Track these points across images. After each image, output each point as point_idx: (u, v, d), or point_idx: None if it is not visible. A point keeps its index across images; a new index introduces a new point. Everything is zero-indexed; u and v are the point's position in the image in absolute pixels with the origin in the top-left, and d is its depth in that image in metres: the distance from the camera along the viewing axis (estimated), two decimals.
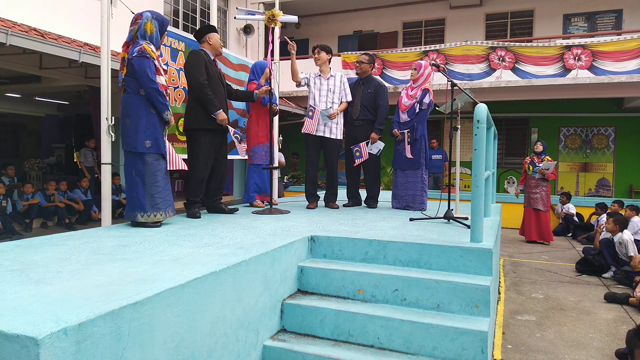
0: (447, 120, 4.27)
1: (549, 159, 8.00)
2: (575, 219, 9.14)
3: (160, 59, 3.49)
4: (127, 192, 3.44)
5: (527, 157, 8.23)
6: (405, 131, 4.72)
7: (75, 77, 7.88)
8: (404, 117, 4.76)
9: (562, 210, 9.36)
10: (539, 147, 8.07)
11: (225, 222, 3.75)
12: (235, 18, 4.99)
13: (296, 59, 4.98)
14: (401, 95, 4.87)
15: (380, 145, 4.94)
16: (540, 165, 7.88)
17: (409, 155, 4.69)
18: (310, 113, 4.76)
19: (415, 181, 4.75)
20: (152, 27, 3.40)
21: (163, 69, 3.48)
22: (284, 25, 4.71)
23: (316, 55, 4.92)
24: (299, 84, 4.98)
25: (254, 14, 4.72)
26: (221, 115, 3.99)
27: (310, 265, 2.97)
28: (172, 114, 3.52)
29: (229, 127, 4.13)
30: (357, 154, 4.94)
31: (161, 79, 3.41)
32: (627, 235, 5.76)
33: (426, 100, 4.66)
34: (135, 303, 1.66)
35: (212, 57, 4.20)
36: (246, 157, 5.02)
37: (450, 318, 2.55)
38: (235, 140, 4.32)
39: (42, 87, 9.19)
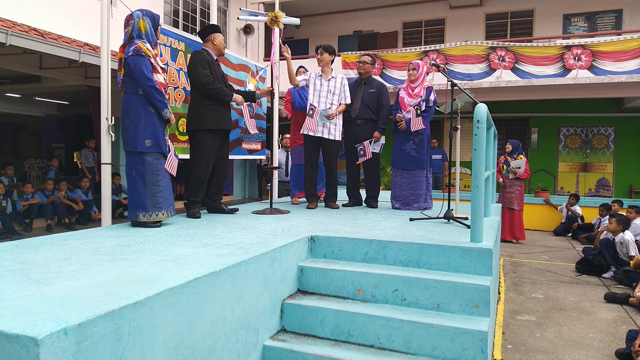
0: (447, 120, 4.27)
1: (522, 157, 7.98)
2: (578, 219, 9.15)
3: (158, 58, 3.49)
4: (129, 193, 3.44)
5: (502, 157, 8.19)
6: (413, 107, 4.69)
7: (75, 77, 7.88)
8: (407, 116, 4.74)
9: (566, 208, 9.36)
10: (509, 147, 8.07)
11: (225, 222, 3.75)
12: (238, 18, 5.01)
13: (296, 58, 5.00)
14: (400, 96, 4.86)
15: (381, 141, 4.97)
16: (512, 164, 7.89)
17: (417, 126, 4.61)
18: (311, 112, 4.74)
19: (421, 180, 4.76)
20: (145, 25, 3.41)
21: (160, 67, 3.48)
22: (285, 26, 4.72)
23: (319, 56, 4.90)
24: (297, 87, 4.98)
25: (257, 15, 4.73)
26: (238, 98, 4.14)
27: (310, 265, 2.97)
28: (171, 112, 3.52)
29: (244, 106, 4.34)
30: (362, 152, 4.93)
31: (159, 77, 3.41)
32: (628, 235, 5.76)
33: (432, 97, 4.68)
34: (135, 303, 1.66)
35: (215, 58, 4.20)
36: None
37: (450, 318, 2.55)
38: (251, 119, 4.44)
39: (42, 87, 9.19)
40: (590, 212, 9.16)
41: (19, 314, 1.50)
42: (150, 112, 3.38)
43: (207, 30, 4.22)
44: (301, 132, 4.87)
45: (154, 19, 3.50)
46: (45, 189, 7.95)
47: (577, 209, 9.24)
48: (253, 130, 4.68)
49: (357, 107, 5.05)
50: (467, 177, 12.04)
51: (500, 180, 8.02)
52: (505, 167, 8.01)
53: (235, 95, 4.11)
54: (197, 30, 4.84)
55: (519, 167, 7.84)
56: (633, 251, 5.63)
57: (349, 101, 4.98)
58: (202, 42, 4.30)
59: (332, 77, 4.91)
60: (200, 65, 3.97)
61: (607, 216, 7.41)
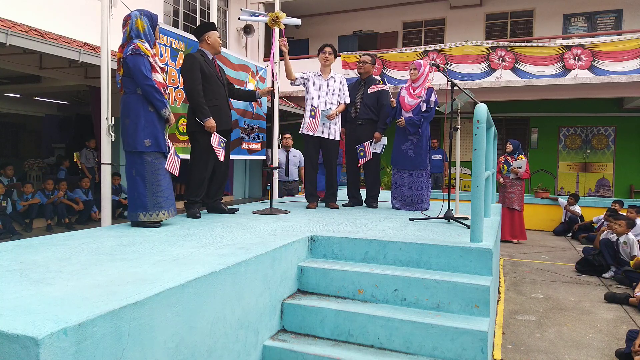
0: (447, 120, 4.27)
1: (522, 157, 7.97)
2: (579, 219, 9.16)
3: (157, 57, 3.49)
4: (129, 193, 3.44)
5: (502, 157, 8.14)
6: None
7: (75, 77, 7.87)
8: (408, 116, 4.73)
9: (565, 209, 9.36)
10: (509, 147, 8.04)
11: (225, 222, 3.75)
12: (239, 19, 5.00)
13: (296, 58, 4.98)
14: (402, 95, 4.85)
15: (383, 142, 4.96)
16: (513, 164, 7.88)
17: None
18: (313, 113, 4.76)
19: (421, 181, 4.75)
20: (143, 24, 3.41)
21: (159, 66, 3.48)
22: (285, 26, 4.72)
23: (327, 56, 4.90)
24: (293, 82, 4.97)
25: (258, 16, 4.73)
26: (209, 122, 3.94)
27: (310, 265, 2.97)
28: (171, 112, 3.52)
29: (215, 134, 4.03)
30: (362, 153, 4.93)
31: (158, 77, 3.41)
32: (632, 235, 5.78)
33: (432, 98, 4.67)
34: (135, 303, 1.66)
35: (211, 57, 4.19)
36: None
37: (450, 318, 2.55)
38: (218, 147, 4.09)
39: (42, 87, 9.19)
40: (591, 212, 9.17)
41: (19, 314, 1.50)
42: (149, 111, 3.38)
43: (201, 30, 4.20)
44: (301, 131, 4.88)
45: (152, 18, 3.51)
46: (45, 189, 7.95)
47: (577, 208, 9.24)
48: (221, 157, 4.13)
49: (357, 108, 5.04)
50: (467, 177, 12.04)
51: (501, 180, 8.01)
52: (505, 167, 8.00)
53: (209, 119, 3.93)
54: (191, 31, 4.80)
55: (520, 167, 7.83)
56: (636, 251, 5.63)
57: (348, 101, 4.98)
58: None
59: (331, 77, 4.92)
60: (190, 71, 3.94)
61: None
